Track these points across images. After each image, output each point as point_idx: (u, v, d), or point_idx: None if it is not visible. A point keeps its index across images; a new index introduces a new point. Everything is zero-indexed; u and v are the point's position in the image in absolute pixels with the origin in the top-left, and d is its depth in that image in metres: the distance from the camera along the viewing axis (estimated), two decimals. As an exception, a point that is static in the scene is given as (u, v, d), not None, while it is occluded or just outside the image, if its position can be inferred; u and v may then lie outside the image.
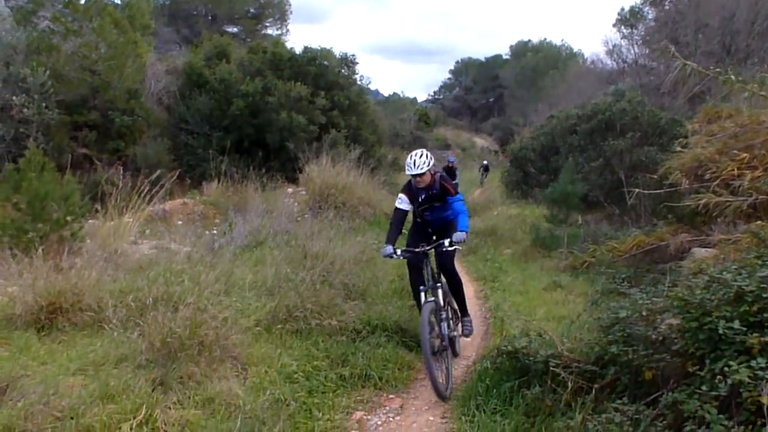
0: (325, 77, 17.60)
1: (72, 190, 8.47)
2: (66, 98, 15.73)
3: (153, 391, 3.83)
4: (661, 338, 3.38)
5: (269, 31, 35.12)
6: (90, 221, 9.53)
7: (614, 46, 31.07)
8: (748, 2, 22.27)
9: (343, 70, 18.28)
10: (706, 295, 3.08)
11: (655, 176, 9.20)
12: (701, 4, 24.11)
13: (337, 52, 18.60)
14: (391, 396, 4.41)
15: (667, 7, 27.99)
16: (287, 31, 34.88)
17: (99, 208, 9.58)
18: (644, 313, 3.59)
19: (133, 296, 5.16)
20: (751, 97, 7.53)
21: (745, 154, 7.20)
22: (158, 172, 10.18)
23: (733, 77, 6.89)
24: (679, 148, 8.87)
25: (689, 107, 15.94)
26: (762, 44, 23.39)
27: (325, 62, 17.71)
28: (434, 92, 72.63)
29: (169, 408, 3.72)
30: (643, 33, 30.10)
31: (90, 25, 15.78)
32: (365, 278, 6.84)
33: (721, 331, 2.77)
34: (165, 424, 3.55)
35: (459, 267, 10.19)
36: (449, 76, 71.09)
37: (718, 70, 6.50)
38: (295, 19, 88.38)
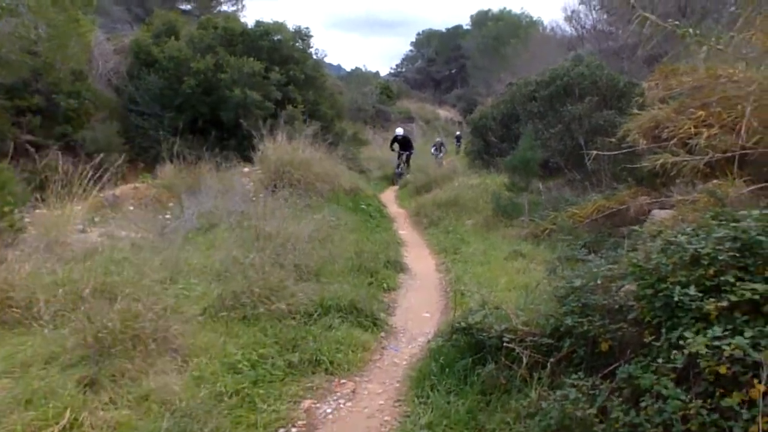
0: (280, 51, 17.04)
1: (6, 179, 8.00)
2: (5, 82, 14.94)
3: (82, 391, 3.54)
4: (617, 307, 3.20)
5: (224, 8, 33.94)
6: (38, 211, 9.06)
7: (573, 12, 30.94)
8: (702, -38, 22.34)
9: (297, 44, 17.74)
10: (662, 260, 2.90)
11: (614, 139, 9.10)
12: (656, -34, 24.11)
13: (291, 25, 18.10)
14: (343, 381, 4.19)
15: (623, -30, 27.91)
16: (243, 6, 33.59)
17: (40, 197, 9.04)
18: (600, 282, 3.40)
19: (68, 289, 4.81)
20: (708, 55, 7.42)
21: (701, 112, 7.10)
22: (100, 156, 9.63)
23: (690, 30, 6.74)
24: (636, 110, 8.78)
25: (648, 71, 15.85)
26: (716, 5, 23.56)
27: (279, 36, 17.14)
28: (396, 65, 71.82)
29: (99, 409, 3.43)
30: (600, -2, 30.05)
31: (26, 3, 14.93)
32: (320, 257, 6.57)
33: (676, 298, 2.59)
34: (93, 428, 3.27)
35: (420, 240, 10.08)
36: (411, 48, 70.31)
37: (676, 22, 6.31)
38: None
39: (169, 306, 5.10)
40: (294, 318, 4.95)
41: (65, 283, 5.01)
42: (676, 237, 2.99)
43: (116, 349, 3.96)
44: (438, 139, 24.87)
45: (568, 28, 31.68)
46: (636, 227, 8.29)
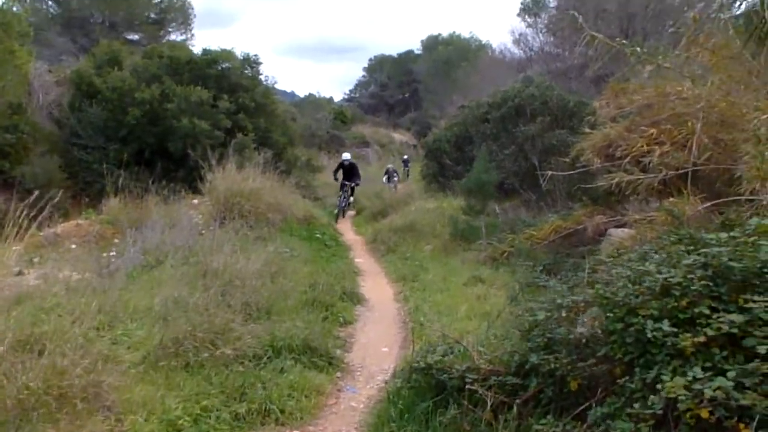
0: (228, 79, 16.70)
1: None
2: (-65, 118, 14.21)
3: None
4: (584, 341, 2.99)
5: (173, 37, 33.40)
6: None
7: (520, 35, 31.59)
8: (641, -14, 23.19)
9: (246, 71, 17.43)
10: (629, 290, 2.70)
11: (568, 159, 9.07)
12: (599, -10, 24.89)
13: (240, 53, 17.79)
14: (294, 431, 3.85)
15: (566, -5, 28.69)
16: (192, 35, 33.21)
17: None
18: (564, 313, 3.18)
19: (-14, 344, 4.33)
20: (656, 73, 7.45)
21: (652, 130, 7.07)
22: (35, 192, 9.08)
23: (638, 49, 6.74)
24: (588, 129, 8.77)
25: (596, 90, 16.15)
26: (656, 26, 24.41)
27: (227, 64, 16.81)
28: (350, 90, 72.03)
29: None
30: (546, 21, 30.76)
31: (-43, 35, 14.28)
32: (271, 293, 6.20)
33: (649, 334, 2.38)
34: None
35: (377, 268, 9.81)
36: (364, 73, 70.67)
37: (623, 41, 6.27)
38: (200, 23, 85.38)
39: (102, 356, 4.70)
40: (242, 363, 4.58)
41: (-15, 337, 4.54)
42: (643, 265, 2.78)
43: (39, 412, 3.54)
44: (389, 166, 24.31)
45: (516, 51, 32.27)
46: (594, 247, 8.29)
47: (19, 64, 14.89)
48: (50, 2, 31.33)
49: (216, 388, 4.16)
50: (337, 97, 66.41)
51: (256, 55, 17.68)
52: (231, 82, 16.77)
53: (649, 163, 7.02)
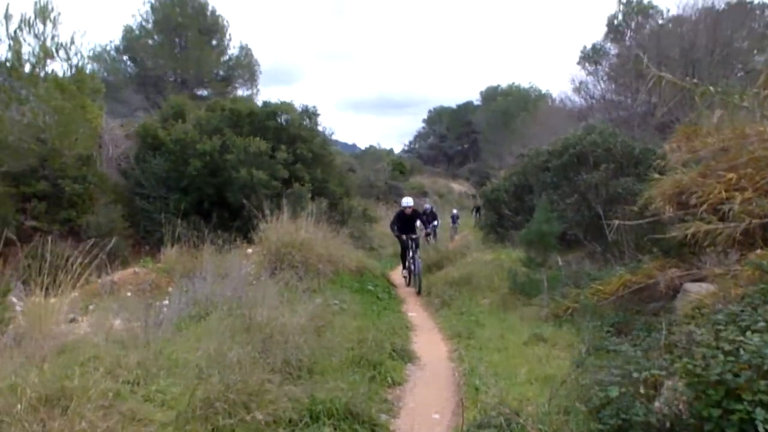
0: (287, 131, 16.90)
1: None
2: (11, 169, 14.84)
3: None
4: (667, 425, 2.48)
5: (239, 93, 34.65)
6: (32, 300, 8.52)
7: (581, 83, 31.02)
8: (705, 32, 22.36)
9: (305, 122, 17.62)
10: (725, 365, 2.20)
11: (635, 208, 8.47)
12: (661, 36, 24.23)
13: (299, 105, 18.05)
14: None
15: (628, 43, 28.13)
16: (257, 91, 34.39)
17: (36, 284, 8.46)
18: (642, 389, 2.68)
19: (8, 400, 4.13)
20: (729, 116, 6.88)
21: (731, 175, 6.47)
22: (92, 240, 9.16)
23: (711, 88, 6.22)
24: (656, 175, 8.18)
25: (660, 138, 15.43)
26: (723, 71, 23.42)
27: (287, 116, 17.05)
28: (409, 142, 72.85)
29: None
30: (607, 69, 30.22)
31: (34, 92, 15.03)
32: (316, 349, 5.84)
33: (761, 428, 1.87)
34: None
35: (431, 323, 9.31)
36: (423, 125, 71.44)
37: (695, 81, 5.78)
38: (266, 81, 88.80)
39: (130, 415, 4.44)
40: (276, 429, 4.20)
41: (11, 390, 4.34)
42: (743, 335, 2.27)
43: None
44: (454, 211, 24.77)
45: (577, 99, 31.67)
46: (668, 304, 7.57)
47: (90, 118, 15.51)
48: (128, 62, 33.11)
49: (245, 457, 3.79)
50: (397, 149, 67.26)
51: (314, 107, 17.94)
52: (289, 134, 16.95)
53: (729, 211, 6.39)
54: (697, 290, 6.81)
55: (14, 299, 8.74)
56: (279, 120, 16.81)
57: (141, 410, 4.69)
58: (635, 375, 2.82)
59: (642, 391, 2.72)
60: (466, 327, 8.37)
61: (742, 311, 3.89)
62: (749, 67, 22.48)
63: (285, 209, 10.59)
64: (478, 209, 26.88)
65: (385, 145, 66.86)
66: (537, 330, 7.52)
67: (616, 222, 7.94)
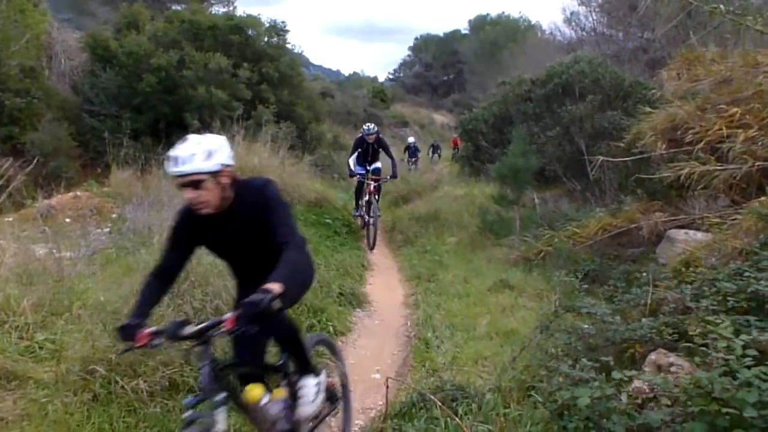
0: (252, 47, 15.56)
1: None
2: (-57, 77, 13.49)
3: None
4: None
5: (215, 10, 32.40)
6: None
7: (572, 13, 29.55)
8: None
9: (273, 39, 16.25)
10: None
11: (622, 144, 7.63)
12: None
13: (266, 19, 16.57)
14: None
15: (625, -29, 26.63)
16: (234, 9, 32.17)
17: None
18: (625, 401, 1.88)
19: None
20: (743, 40, 5.96)
21: (735, 109, 5.60)
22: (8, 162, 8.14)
23: (721, 7, 5.26)
24: (648, 109, 7.31)
25: (651, 75, 14.47)
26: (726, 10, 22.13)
27: (252, 30, 15.66)
28: (394, 70, 70.82)
29: None
30: (601, 0, 28.81)
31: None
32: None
33: None
34: None
35: (390, 262, 8.54)
36: (409, 53, 69.31)
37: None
38: (247, 2, 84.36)
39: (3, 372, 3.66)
40: (165, 397, 3.42)
41: None
42: None
43: None
44: (434, 141, 23.68)
45: (567, 31, 30.28)
46: (649, 250, 6.86)
47: (31, 24, 14.04)
48: (96, -28, 30.70)
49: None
50: (382, 78, 65.42)
51: (283, 22, 16.47)
52: (255, 51, 15.63)
53: (728, 151, 5.58)
54: (683, 238, 6.07)
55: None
56: (244, 35, 15.42)
57: (17, 366, 3.90)
58: (609, 390, 1.99)
59: (626, 402, 1.93)
60: (427, 268, 7.63)
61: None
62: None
63: (239, 131, 9.57)
64: (435, 147, 24.24)
65: (370, 73, 64.95)
66: (504, 275, 6.79)
67: (600, 158, 7.11)
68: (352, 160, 9.67)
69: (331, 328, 5.29)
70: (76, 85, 15.98)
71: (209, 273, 4.92)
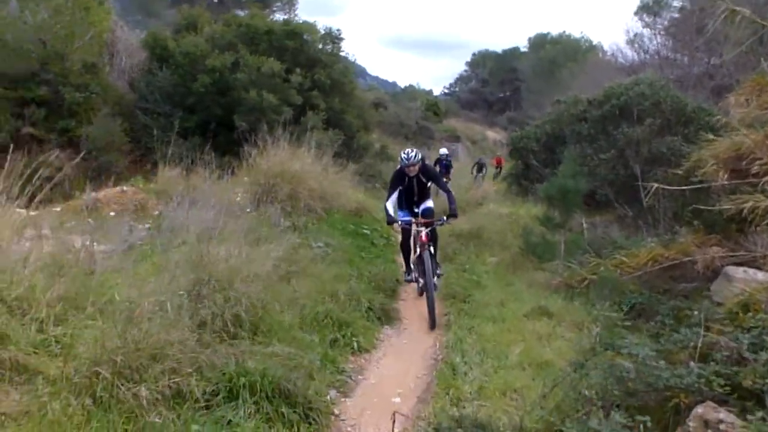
0: (306, 53, 15.61)
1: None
2: (11, 71, 13.94)
3: None
4: None
5: (276, 17, 32.93)
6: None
7: (635, 35, 28.82)
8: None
9: (327, 47, 16.27)
10: None
11: (679, 171, 7.18)
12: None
13: (322, 27, 16.61)
14: None
15: (693, -6, 25.77)
16: (295, 16, 32.64)
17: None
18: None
19: None
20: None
21: (809, 141, 5.16)
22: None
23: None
24: (711, 136, 6.85)
25: (717, 101, 13.79)
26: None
27: (307, 36, 15.71)
28: (450, 84, 70.61)
29: None
30: (666, 22, 27.96)
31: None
32: (267, 300, 4.83)
33: None
34: None
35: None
36: (466, 68, 69.05)
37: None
38: (307, 10, 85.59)
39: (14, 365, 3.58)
40: (178, 404, 3.26)
41: None
42: None
43: None
44: (480, 159, 22.33)
45: (629, 53, 29.49)
46: (702, 286, 6.39)
47: (94, 21, 14.43)
48: (163, -23, 31.88)
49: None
50: (437, 92, 65.32)
51: (338, 30, 16.47)
52: (309, 57, 15.67)
53: (799, 185, 5.13)
54: (742, 276, 5.62)
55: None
56: (299, 41, 15.46)
57: (30, 360, 3.82)
58: None
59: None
60: (464, 288, 7.33)
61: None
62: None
63: (282, 136, 9.50)
64: (480, 166, 21.75)
65: (426, 87, 64.97)
66: (544, 301, 6.44)
67: (654, 185, 6.67)
68: (391, 203, 6.80)
69: (355, 344, 5.08)
70: (134, 82, 16.35)
71: (234, 277, 4.78)
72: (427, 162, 7.67)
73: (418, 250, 6.74)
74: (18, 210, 7.72)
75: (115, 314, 4.25)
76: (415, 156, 6.74)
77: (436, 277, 6.64)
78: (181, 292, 4.58)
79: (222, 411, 3.35)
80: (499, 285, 7.49)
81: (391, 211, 6.72)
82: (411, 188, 6.95)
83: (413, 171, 6.78)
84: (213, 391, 3.46)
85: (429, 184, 7.07)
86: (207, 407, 3.35)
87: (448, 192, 6.95)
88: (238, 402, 3.45)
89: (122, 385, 3.16)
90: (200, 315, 4.17)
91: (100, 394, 3.15)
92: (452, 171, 17.29)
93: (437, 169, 15.06)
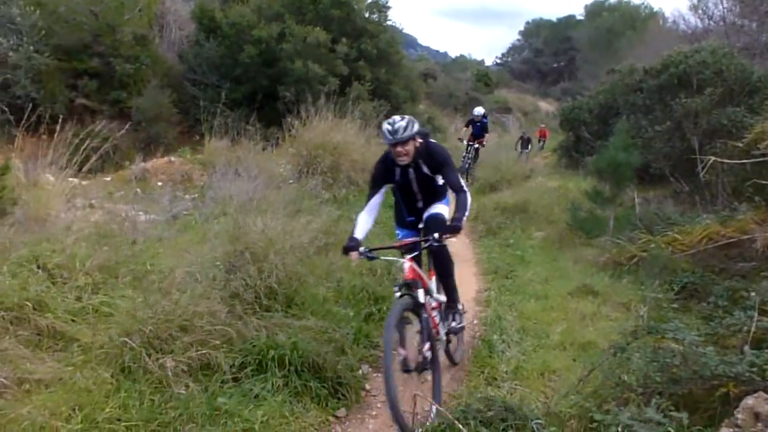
0: (353, 23, 15.40)
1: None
2: (64, 43, 14.28)
3: None
4: None
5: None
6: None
7: (699, 0, 27.28)
8: None
9: (373, 16, 16.00)
10: None
11: (740, 144, 6.76)
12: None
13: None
14: None
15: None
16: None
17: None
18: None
19: None
20: None
21: None
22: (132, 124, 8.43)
23: None
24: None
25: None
26: None
27: (354, 5, 15.48)
28: (502, 54, 68.98)
29: None
30: (734, -16, 26.41)
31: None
32: (302, 273, 4.78)
33: None
34: None
35: (469, 253, 8.08)
36: (518, 38, 67.32)
37: None
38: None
39: (46, 332, 3.65)
40: (205, 376, 3.26)
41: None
42: None
43: None
44: (524, 133, 19.76)
45: (692, 20, 27.98)
46: (762, 267, 6.02)
47: (145, -7, 14.61)
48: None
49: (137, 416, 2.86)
50: (489, 62, 64.05)
51: (385, -1, 16.17)
52: (355, 26, 15.46)
53: None
54: (806, 257, 5.26)
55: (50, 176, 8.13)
56: (345, 10, 15.26)
57: (67, 327, 3.88)
58: None
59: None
60: (507, 263, 7.15)
61: None
62: None
63: (326, 107, 9.40)
64: (525, 141, 19.38)
65: (477, 57, 63.73)
66: (589, 279, 6.20)
67: (712, 159, 6.30)
68: (366, 213, 4.11)
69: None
70: (183, 54, 16.53)
71: (269, 248, 4.73)
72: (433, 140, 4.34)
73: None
74: (70, 179, 7.94)
75: (149, 284, 4.30)
76: (405, 128, 3.79)
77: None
78: (218, 263, 4.59)
79: (249, 384, 3.33)
80: (544, 261, 7.27)
81: (360, 226, 4.00)
82: (407, 186, 4.18)
83: (404, 156, 3.88)
84: (242, 363, 3.45)
85: (436, 180, 4.12)
86: (235, 380, 3.34)
87: (460, 191, 3.95)
88: (266, 375, 3.43)
89: (150, 355, 3.17)
90: (232, 287, 4.15)
91: (127, 364, 3.17)
92: (487, 136, 13.73)
93: (468, 131, 13.16)
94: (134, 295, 4.07)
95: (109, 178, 11.11)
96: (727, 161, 6.74)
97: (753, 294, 4.32)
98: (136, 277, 4.82)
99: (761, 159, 5.92)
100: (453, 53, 75.67)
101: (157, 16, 17.08)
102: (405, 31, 18.07)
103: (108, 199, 9.48)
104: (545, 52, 62.71)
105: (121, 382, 3.10)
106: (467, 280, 6.77)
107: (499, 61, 67.91)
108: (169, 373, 3.06)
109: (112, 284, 4.63)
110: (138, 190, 10.01)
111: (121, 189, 10.18)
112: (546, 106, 48.73)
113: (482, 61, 57.18)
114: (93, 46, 14.71)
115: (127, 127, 11.06)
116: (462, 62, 52.75)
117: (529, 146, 18.47)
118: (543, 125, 24.23)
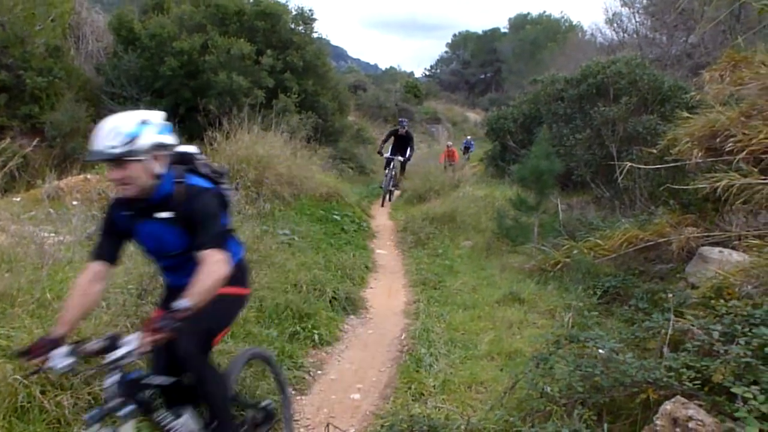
0: (278, 34, 15.16)
1: None
2: (-32, 54, 13.41)
3: None
4: None
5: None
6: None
7: (614, 14, 28.65)
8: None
9: (299, 28, 15.82)
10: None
11: (654, 150, 7.00)
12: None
13: (294, 7, 16.11)
14: None
15: (673, -29, 25.61)
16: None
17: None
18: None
19: None
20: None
21: (785, 117, 4.97)
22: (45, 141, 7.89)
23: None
24: (686, 114, 6.65)
25: (694, 82, 13.60)
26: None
27: (279, 16, 15.24)
28: (431, 66, 70.15)
29: None
30: (645, 1, 27.82)
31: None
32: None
33: None
34: None
35: (398, 264, 8.02)
36: (446, 50, 68.65)
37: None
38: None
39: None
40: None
41: None
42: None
43: None
44: (468, 138, 21.92)
45: (609, 33, 29.36)
46: (678, 267, 6.23)
47: (56, 3, 13.90)
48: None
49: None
50: (419, 73, 64.90)
51: (311, 10, 16.01)
52: (281, 38, 15.22)
53: (774, 163, 4.95)
54: (717, 257, 5.44)
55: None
56: (270, 21, 15.00)
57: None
58: None
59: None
60: (436, 273, 7.12)
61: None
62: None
63: (251, 119, 9.16)
64: (467, 146, 22.86)
65: (407, 69, 64.54)
66: (516, 286, 6.23)
67: (628, 165, 6.49)
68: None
69: (316, 337, 4.83)
70: (100, 66, 15.81)
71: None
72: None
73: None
74: (-26, 200, 7.35)
75: (52, 313, 3.98)
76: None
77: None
78: (130, 287, 4.32)
79: (159, 417, 3.08)
80: (472, 270, 7.29)
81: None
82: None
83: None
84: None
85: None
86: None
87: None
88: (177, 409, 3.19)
89: (45, 393, 2.89)
90: (142, 312, 3.90)
91: (21, 403, 2.88)
92: (471, 151, 22.66)
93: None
94: (33, 326, 3.75)
95: (18, 198, 10.45)
96: (643, 167, 6.96)
97: (670, 296, 4.42)
98: (40, 305, 4.47)
99: (673, 165, 6.12)
100: (383, 65, 76.43)
101: (72, 27, 16.28)
102: (334, 43, 18.05)
103: (15, 220, 8.89)
104: (472, 63, 64.18)
105: (13, 423, 2.80)
106: (396, 291, 6.71)
107: (428, 72, 68.92)
108: (66, 412, 2.79)
109: (10, 314, 4.27)
110: (51, 210, 9.44)
111: (31, 209, 9.58)
112: (474, 116, 49.77)
113: (412, 73, 57.89)
114: (0, 58, 13.85)
115: (37, 143, 10.43)
116: (392, 74, 53.25)
117: (470, 150, 19.56)
118: (450, 143, 23.49)
